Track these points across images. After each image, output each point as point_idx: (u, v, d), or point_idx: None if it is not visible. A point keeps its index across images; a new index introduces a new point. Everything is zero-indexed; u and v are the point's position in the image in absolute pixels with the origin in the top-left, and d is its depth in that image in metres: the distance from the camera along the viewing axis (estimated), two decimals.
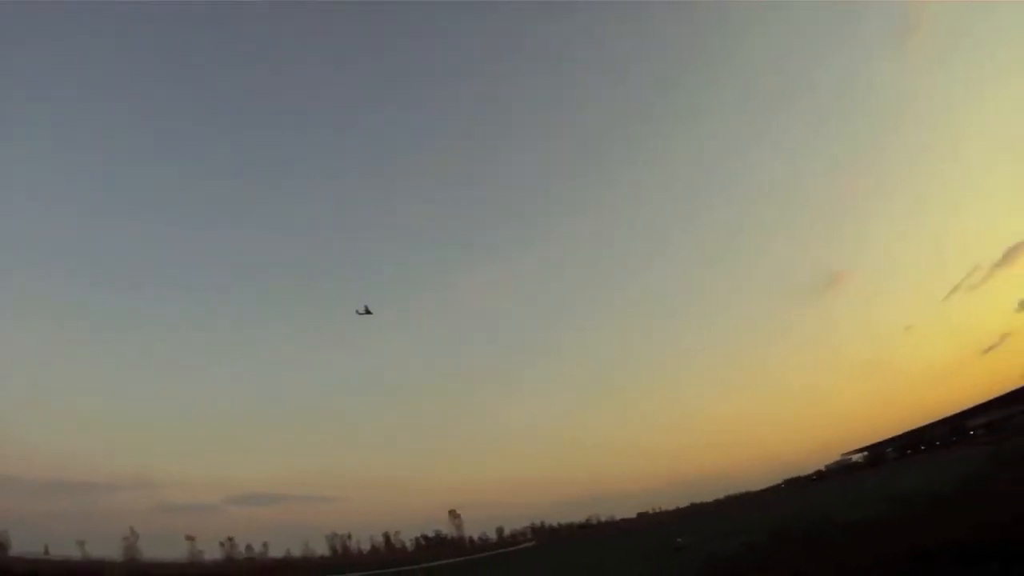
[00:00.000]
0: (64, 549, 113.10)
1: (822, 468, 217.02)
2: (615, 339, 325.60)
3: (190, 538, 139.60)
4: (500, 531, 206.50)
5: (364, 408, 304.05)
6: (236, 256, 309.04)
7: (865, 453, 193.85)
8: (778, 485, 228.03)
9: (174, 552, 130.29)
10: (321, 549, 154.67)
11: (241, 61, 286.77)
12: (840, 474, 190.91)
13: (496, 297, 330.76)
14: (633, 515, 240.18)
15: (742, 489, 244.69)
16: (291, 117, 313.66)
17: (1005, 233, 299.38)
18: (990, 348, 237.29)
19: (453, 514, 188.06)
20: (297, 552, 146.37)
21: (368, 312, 74.71)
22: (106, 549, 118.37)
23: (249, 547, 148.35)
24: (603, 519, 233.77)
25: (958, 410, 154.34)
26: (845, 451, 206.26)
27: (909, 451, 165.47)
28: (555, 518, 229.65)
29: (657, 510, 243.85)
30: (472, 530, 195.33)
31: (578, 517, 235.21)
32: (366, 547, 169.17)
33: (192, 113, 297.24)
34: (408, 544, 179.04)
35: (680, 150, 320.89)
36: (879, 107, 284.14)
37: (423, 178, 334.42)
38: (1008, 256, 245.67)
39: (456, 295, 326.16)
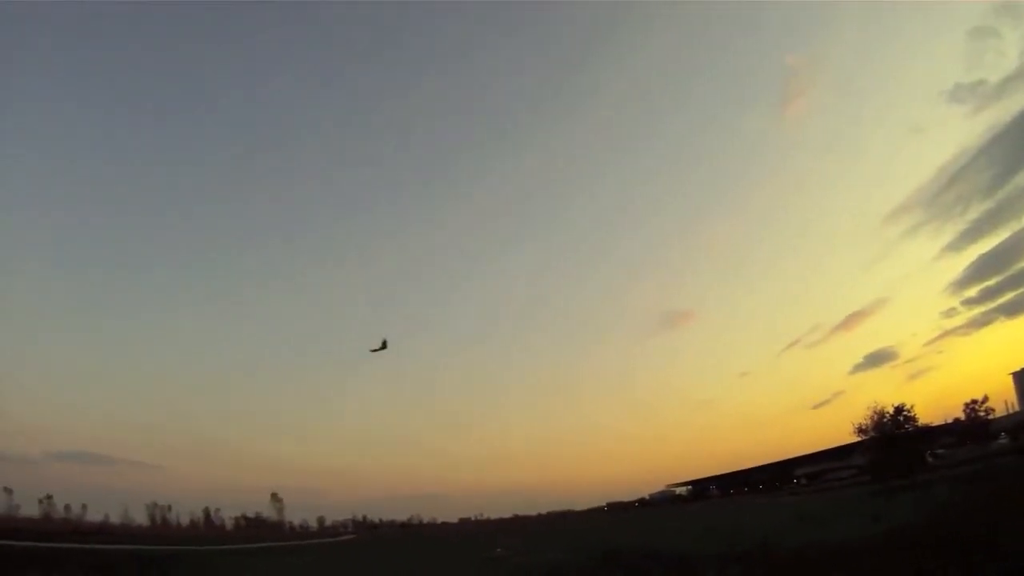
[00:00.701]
0: None
1: (646, 496, 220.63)
2: (455, 347, 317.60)
3: (8, 491, 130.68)
4: (321, 520, 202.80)
5: (203, 379, 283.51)
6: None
7: (689, 487, 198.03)
8: (601, 507, 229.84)
9: None
10: (140, 517, 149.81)
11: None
12: (664, 504, 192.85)
13: (348, 291, 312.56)
14: (455, 520, 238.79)
15: (566, 507, 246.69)
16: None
17: (849, 300, 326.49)
18: (821, 404, 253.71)
19: (275, 497, 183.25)
20: (116, 518, 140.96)
21: (384, 347, 71.74)
22: None
23: (68, 507, 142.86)
24: (425, 520, 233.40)
25: (785, 457, 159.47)
26: (670, 482, 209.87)
27: (732, 490, 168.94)
28: (377, 514, 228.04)
29: (480, 517, 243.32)
30: (293, 515, 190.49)
31: (400, 515, 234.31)
32: (185, 521, 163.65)
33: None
34: (228, 523, 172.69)
35: (535, 173, 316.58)
36: (750, 161, 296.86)
37: (279, 171, 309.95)
38: (848, 321, 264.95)
39: (310, 284, 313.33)
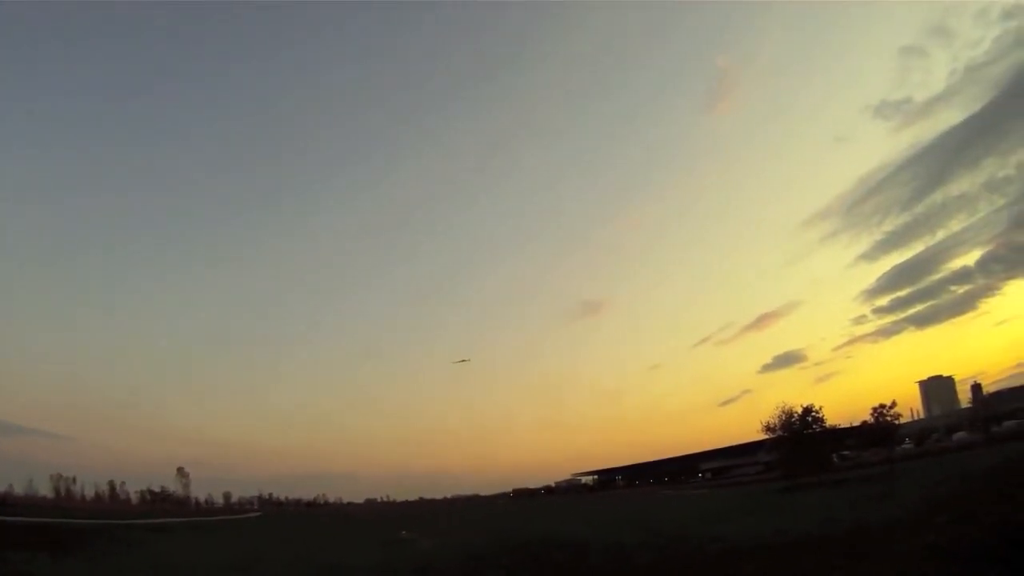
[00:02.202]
0: None
1: (552, 484, 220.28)
2: (368, 330, 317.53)
3: None
4: (227, 497, 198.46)
5: (119, 349, 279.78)
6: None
7: (596, 477, 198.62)
8: (507, 493, 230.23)
9: None
10: (45, 489, 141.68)
11: None
12: (569, 492, 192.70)
13: (263, 272, 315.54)
14: (361, 500, 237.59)
15: (472, 492, 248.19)
16: None
17: (762, 300, 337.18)
18: (729, 400, 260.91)
19: (181, 472, 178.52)
20: (20, 490, 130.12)
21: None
22: None
23: None
24: (331, 500, 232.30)
25: (692, 452, 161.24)
26: (577, 471, 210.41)
27: (638, 482, 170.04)
28: (283, 491, 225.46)
29: (386, 499, 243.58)
30: (199, 491, 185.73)
31: (307, 494, 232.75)
32: (90, 493, 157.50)
33: None
34: (133, 497, 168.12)
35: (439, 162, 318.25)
36: (673, 156, 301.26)
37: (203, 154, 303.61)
38: (760, 321, 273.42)
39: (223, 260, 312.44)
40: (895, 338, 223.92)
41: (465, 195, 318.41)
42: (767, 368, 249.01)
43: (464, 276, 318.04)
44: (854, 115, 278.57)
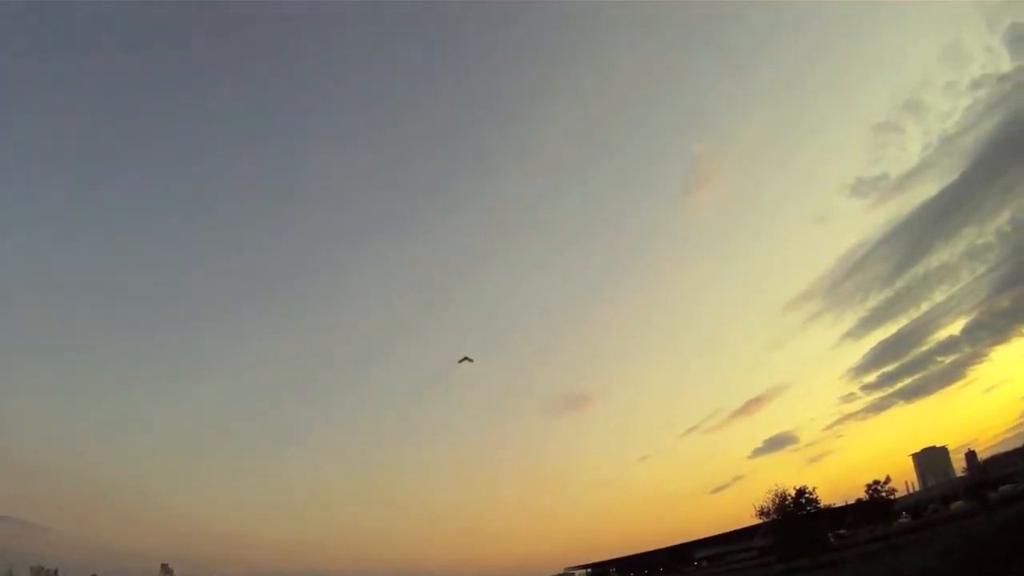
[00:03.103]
0: None
1: None
2: (360, 425, 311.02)
3: None
4: None
5: (100, 436, 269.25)
6: None
7: (589, 570, 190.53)
8: None
9: None
10: None
11: None
12: None
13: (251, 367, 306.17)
14: None
15: None
16: None
17: (749, 385, 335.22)
18: (721, 487, 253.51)
19: (165, 568, 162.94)
20: None
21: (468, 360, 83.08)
22: None
23: None
24: None
25: (685, 540, 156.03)
26: (569, 564, 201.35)
27: (632, 573, 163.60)
28: None
29: None
30: None
31: None
32: None
33: None
34: None
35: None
36: (653, 245, 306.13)
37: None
38: (748, 406, 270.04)
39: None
40: (885, 413, 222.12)
41: (447, 293, 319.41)
42: (758, 452, 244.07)
43: (449, 375, 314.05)
44: (831, 195, 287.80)
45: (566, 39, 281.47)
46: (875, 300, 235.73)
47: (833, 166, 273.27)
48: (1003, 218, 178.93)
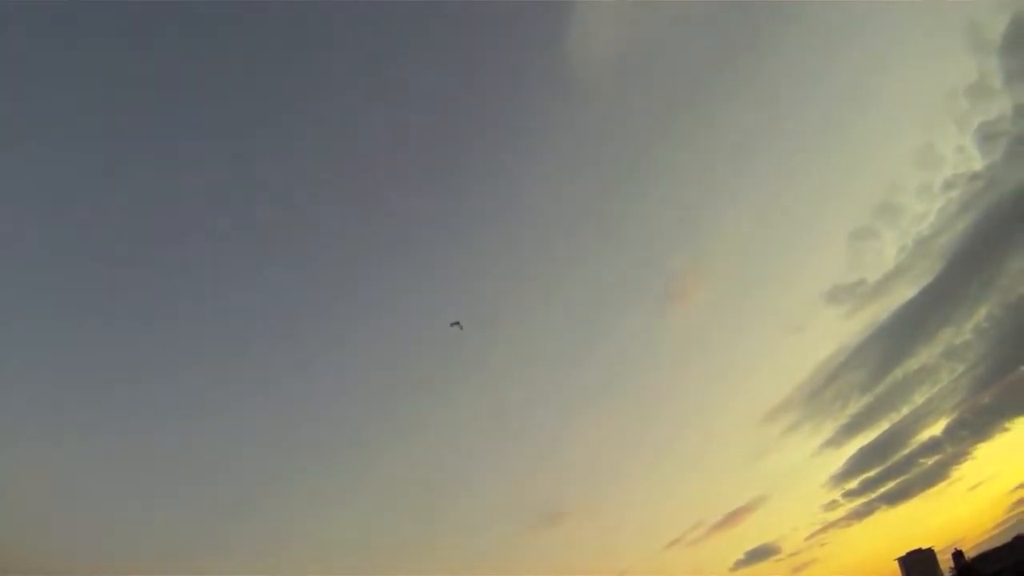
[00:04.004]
0: None
1: None
2: (342, 542, 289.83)
3: None
4: None
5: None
6: None
7: None
8: None
9: None
10: None
11: None
12: None
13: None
14: None
15: None
16: None
17: (730, 497, 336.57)
18: None
19: None
20: None
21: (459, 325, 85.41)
22: None
23: None
24: None
25: None
26: None
27: None
28: None
29: None
30: None
31: None
32: None
33: None
34: None
35: None
36: (631, 359, 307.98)
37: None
38: (729, 518, 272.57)
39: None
40: (869, 518, 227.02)
41: (416, 415, 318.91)
42: (740, 564, 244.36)
43: (420, 493, 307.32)
44: (808, 304, 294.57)
45: (551, 170, 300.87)
46: (855, 407, 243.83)
47: (809, 275, 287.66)
48: (980, 315, 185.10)
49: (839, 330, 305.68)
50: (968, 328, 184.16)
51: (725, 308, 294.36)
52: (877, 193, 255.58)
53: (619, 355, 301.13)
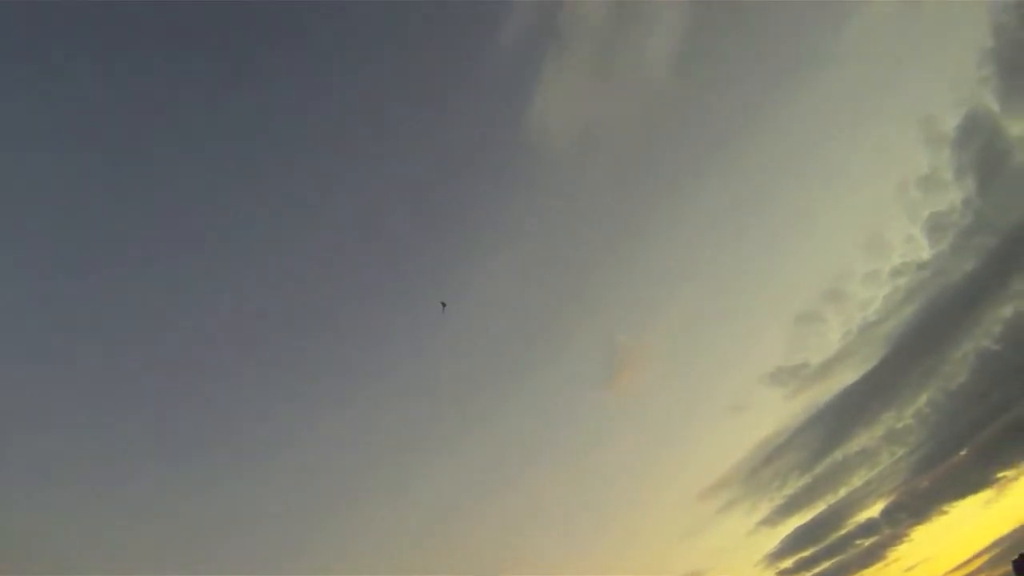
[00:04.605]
0: None
1: None
2: None
3: None
4: None
5: None
6: None
7: None
8: None
9: None
10: None
11: None
12: None
13: None
14: None
15: None
16: None
17: (662, 574, 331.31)
18: None
19: None
20: None
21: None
22: None
23: None
24: None
25: None
26: None
27: None
28: None
29: None
30: None
31: None
32: None
33: None
34: None
35: None
36: (566, 433, 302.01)
37: None
38: None
39: None
40: None
41: (359, 520, 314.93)
42: None
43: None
44: (750, 384, 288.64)
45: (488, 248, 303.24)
46: (792, 487, 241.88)
47: (754, 356, 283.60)
48: (922, 401, 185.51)
49: (781, 411, 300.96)
50: (909, 413, 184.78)
51: (669, 385, 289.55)
52: (826, 279, 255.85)
53: (557, 430, 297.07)
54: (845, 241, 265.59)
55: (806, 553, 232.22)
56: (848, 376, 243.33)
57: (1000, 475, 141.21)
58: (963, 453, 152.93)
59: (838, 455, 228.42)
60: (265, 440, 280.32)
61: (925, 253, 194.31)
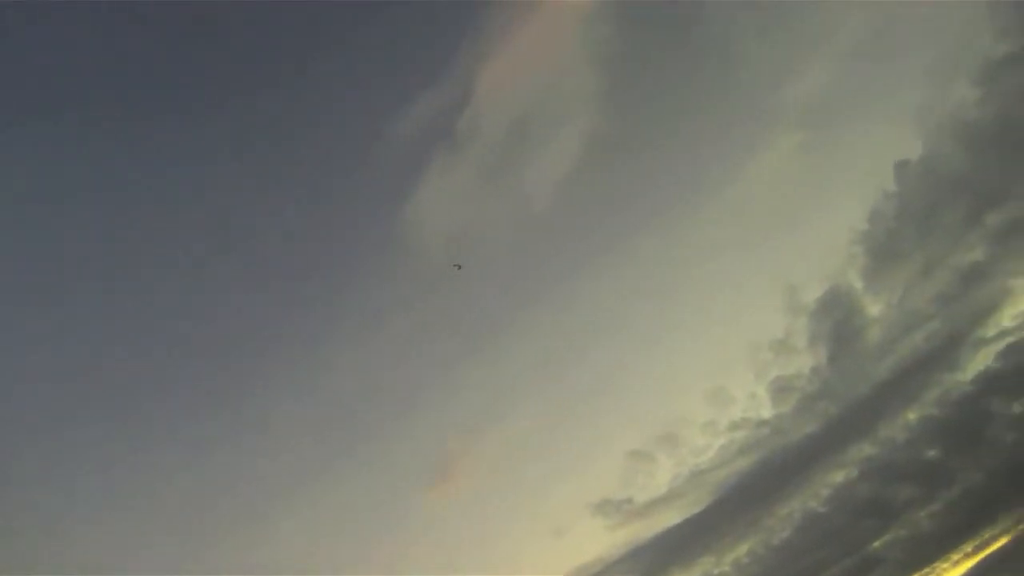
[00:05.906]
0: None
1: None
2: None
3: None
4: None
5: None
6: None
7: None
8: None
9: None
10: None
11: None
12: None
13: None
14: None
15: None
16: None
17: None
18: None
19: None
20: None
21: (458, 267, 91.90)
22: None
23: None
24: None
25: None
26: None
27: None
28: None
29: None
30: None
31: None
32: None
33: None
34: None
35: None
36: (385, 534, 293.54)
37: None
38: None
39: None
40: None
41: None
42: None
43: None
44: (575, 510, 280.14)
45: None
46: None
47: (582, 484, 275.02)
48: (742, 551, 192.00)
49: (602, 540, 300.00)
50: (728, 560, 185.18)
51: (491, 498, 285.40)
52: (664, 422, 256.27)
53: (376, 524, 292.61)
54: (690, 389, 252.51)
55: None
56: (672, 517, 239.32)
57: None
58: None
59: None
60: None
61: (767, 412, 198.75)
